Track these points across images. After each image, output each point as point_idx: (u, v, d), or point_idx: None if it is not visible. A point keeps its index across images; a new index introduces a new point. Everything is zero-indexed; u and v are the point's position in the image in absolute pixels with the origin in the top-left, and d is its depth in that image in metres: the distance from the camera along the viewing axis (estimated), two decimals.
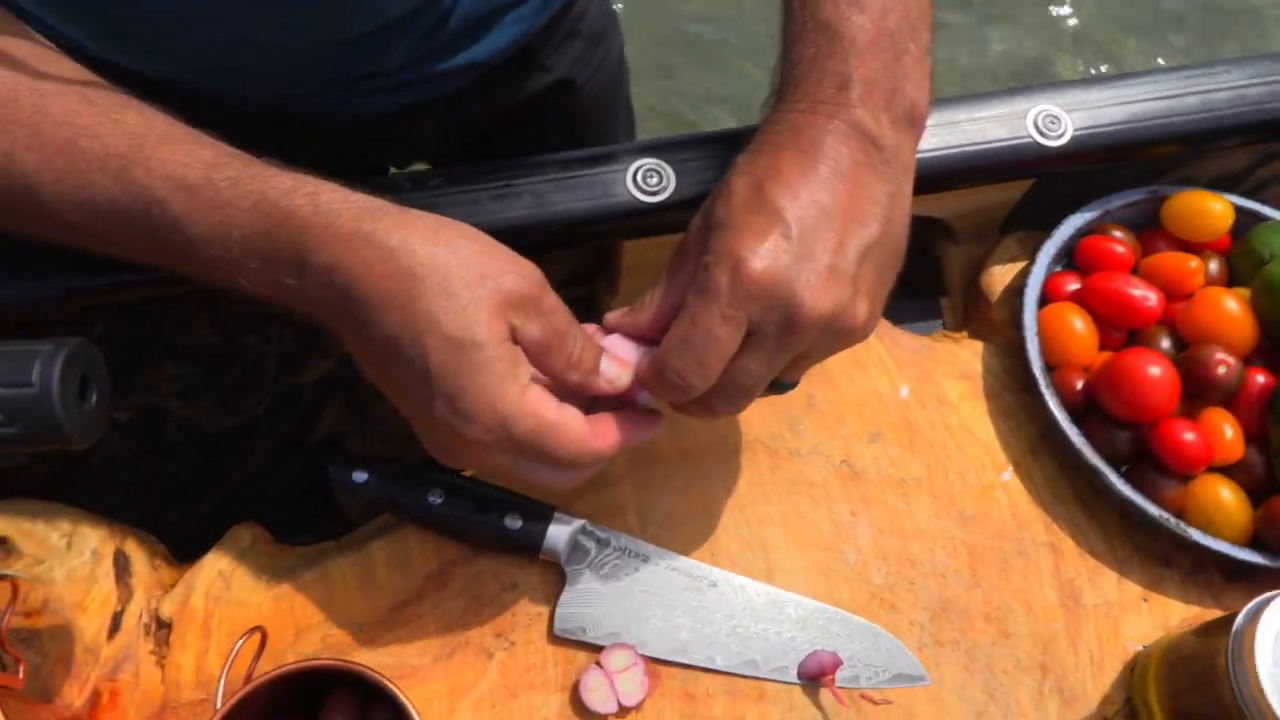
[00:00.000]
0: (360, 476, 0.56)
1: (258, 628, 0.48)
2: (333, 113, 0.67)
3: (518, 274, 0.44)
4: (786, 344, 0.44)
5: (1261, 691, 0.47)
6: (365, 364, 0.46)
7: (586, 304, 0.78)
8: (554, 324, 0.45)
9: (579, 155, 0.60)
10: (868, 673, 0.55)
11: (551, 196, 0.59)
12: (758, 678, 0.55)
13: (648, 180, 0.60)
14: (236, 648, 0.47)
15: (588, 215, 0.59)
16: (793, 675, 0.55)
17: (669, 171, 0.60)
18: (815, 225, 0.43)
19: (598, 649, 0.55)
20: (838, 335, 0.45)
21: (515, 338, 0.44)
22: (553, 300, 0.45)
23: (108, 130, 0.45)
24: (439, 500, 0.55)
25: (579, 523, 0.57)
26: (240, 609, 0.56)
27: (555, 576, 0.57)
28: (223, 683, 0.45)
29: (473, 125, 0.75)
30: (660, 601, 0.56)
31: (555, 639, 0.55)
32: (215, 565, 0.57)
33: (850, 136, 0.44)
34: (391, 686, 0.45)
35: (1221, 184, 0.68)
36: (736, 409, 0.47)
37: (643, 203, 0.59)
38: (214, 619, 0.56)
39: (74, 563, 0.56)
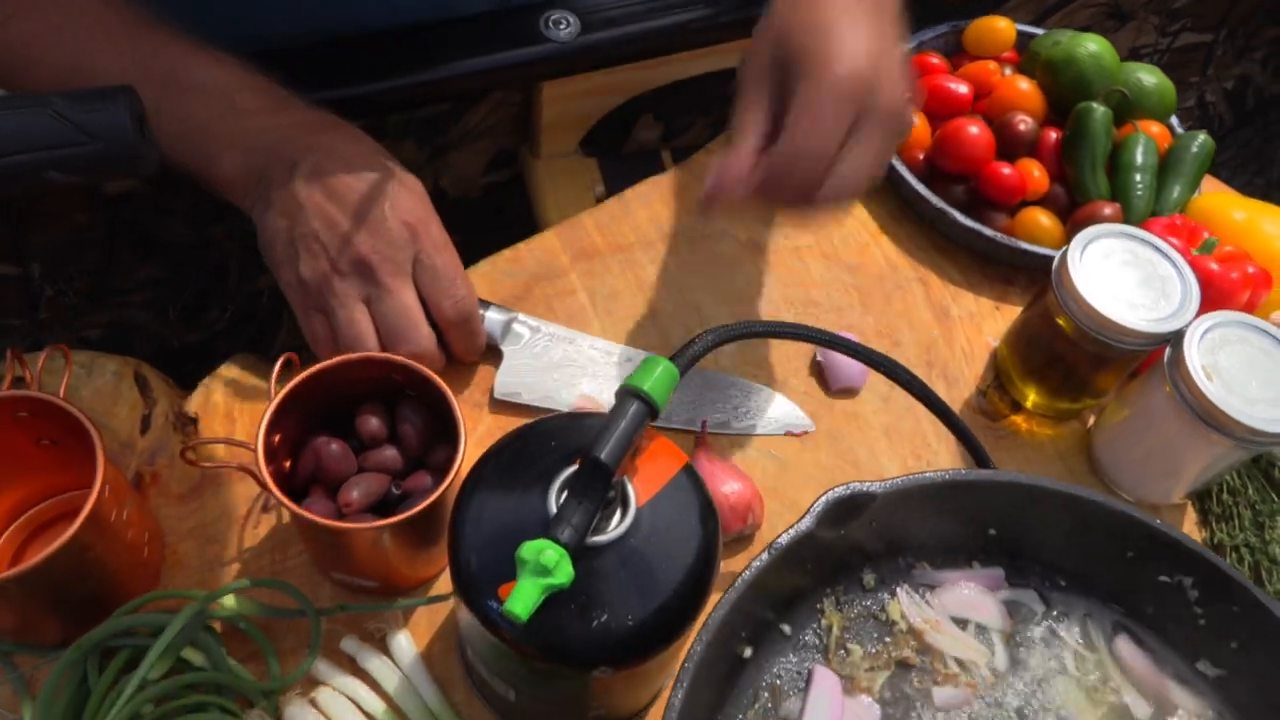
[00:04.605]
0: None
1: (290, 355, 0.56)
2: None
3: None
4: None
5: (1082, 297, 0.61)
6: None
7: (512, 186, 0.90)
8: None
9: (506, 8, 0.73)
10: (763, 422, 0.67)
11: (484, 46, 0.72)
12: (665, 428, 0.66)
13: (558, 25, 0.73)
14: (277, 366, 0.55)
15: (519, 58, 0.72)
16: (696, 425, 0.66)
17: (573, 18, 0.73)
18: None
19: (533, 411, 0.64)
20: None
21: None
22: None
23: None
24: None
25: (513, 314, 0.67)
26: (256, 397, 0.64)
27: (495, 359, 0.66)
28: (272, 388, 0.53)
29: None
30: (586, 373, 0.67)
31: (495, 404, 0.65)
32: (228, 373, 0.65)
33: None
34: (424, 370, 0.54)
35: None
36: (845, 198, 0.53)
37: (556, 43, 0.73)
38: (234, 409, 0.63)
39: (97, 383, 0.63)
